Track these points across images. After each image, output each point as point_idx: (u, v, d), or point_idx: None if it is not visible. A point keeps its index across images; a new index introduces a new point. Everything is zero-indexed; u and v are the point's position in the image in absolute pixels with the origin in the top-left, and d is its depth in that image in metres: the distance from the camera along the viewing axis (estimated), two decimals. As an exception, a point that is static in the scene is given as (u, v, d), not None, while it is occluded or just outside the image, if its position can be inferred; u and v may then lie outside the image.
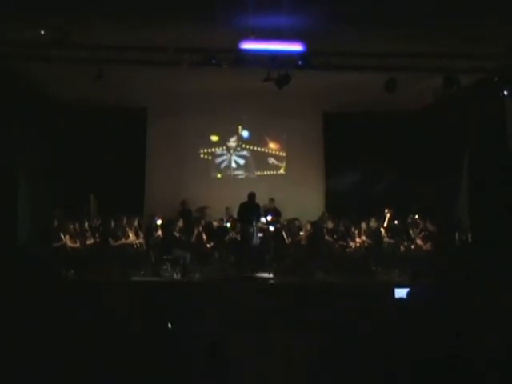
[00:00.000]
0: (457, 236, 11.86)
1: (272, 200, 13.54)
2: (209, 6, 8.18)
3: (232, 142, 15.63)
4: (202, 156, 15.53)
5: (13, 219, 11.54)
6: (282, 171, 15.47)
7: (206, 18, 8.70)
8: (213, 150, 15.60)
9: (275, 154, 15.67)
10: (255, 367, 5.58)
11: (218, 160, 15.63)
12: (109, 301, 7.44)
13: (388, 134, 14.44)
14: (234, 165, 15.63)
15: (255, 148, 15.63)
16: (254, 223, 11.92)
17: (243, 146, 15.66)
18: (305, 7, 8.43)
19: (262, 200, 12.77)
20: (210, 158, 15.59)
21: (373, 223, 12.09)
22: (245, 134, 15.62)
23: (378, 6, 8.37)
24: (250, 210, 11.84)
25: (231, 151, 15.62)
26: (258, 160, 15.66)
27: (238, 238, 12.21)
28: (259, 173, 15.59)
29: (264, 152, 15.65)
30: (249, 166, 15.67)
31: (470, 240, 11.78)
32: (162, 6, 8.44)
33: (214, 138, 15.57)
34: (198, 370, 5.03)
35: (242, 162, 15.63)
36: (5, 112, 11.06)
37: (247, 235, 11.81)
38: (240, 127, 15.60)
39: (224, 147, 15.63)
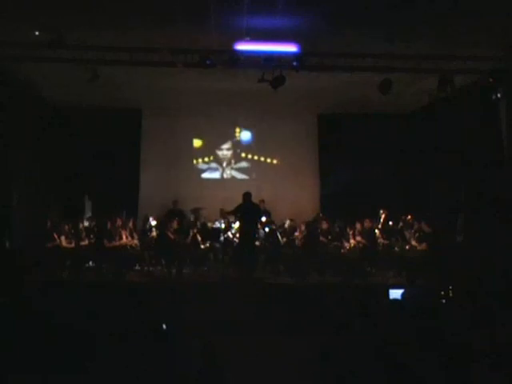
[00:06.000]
0: (451, 236, 11.89)
1: (262, 201, 13.45)
2: (203, 7, 8.17)
3: (225, 151, 15.58)
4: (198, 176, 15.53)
5: (7, 220, 11.51)
6: (276, 172, 15.46)
7: (200, 19, 8.70)
8: (203, 160, 15.53)
9: (270, 157, 15.66)
10: (251, 368, 5.58)
11: (211, 174, 15.61)
12: (103, 301, 7.42)
13: (383, 135, 14.45)
14: (230, 176, 15.63)
15: (252, 157, 15.59)
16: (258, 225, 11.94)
17: (242, 155, 15.60)
18: (299, 8, 8.43)
19: (255, 201, 12.80)
20: (200, 174, 15.56)
21: (367, 224, 12.09)
22: (243, 136, 15.59)
23: (372, 7, 8.39)
24: (249, 210, 11.71)
25: (224, 164, 15.57)
26: (254, 166, 15.64)
27: (235, 239, 12.17)
28: (254, 175, 15.60)
29: (260, 157, 15.62)
30: (247, 173, 15.70)
31: (464, 240, 11.79)
32: (156, 7, 8.44)
33: (198, 144, 15.48)
34: (194, 372, 5.02)
35: (241, 176, 15.61)
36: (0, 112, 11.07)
37: (246, 236, 11.71)
38: (238, 129, 15.60)
39: (213, 157, 15.53)
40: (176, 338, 5.76)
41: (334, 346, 5.51)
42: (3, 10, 8.46)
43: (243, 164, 15.63)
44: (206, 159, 15.53)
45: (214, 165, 15.56)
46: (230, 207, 11.88)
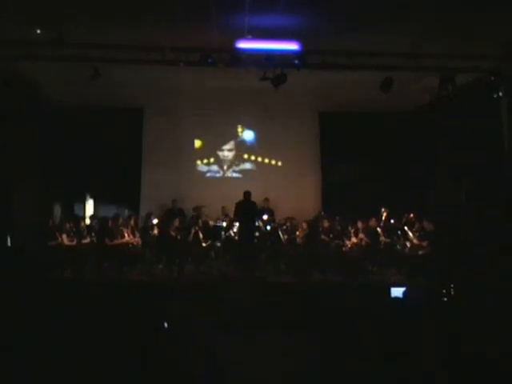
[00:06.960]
0: (453, 235, 11.88)
1: (267, 199, 13.52)
2: (205, 5, 8.17)
3: (227, 151, 15.55)
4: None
5: (9, 218, 11.53)
6: (278, 170, 15.45)
7: (202, 18, 8.70)
8: (202, 161, 15.49)
9: (271, 155, 15.63)
10: (252, 367, 5.58)
11: (212, 175, 15.57)
12: (105, 300, 7.43)
13: (384, 133, 14.44)
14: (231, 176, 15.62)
15: (255, 157, 15.57)
16: (256, 223, 11.97)
17: (244, 155, 15.55)
18: (301, 7, 8.43)
19: (257, 199, 12.80)
20: (201, 174, 15.50)
21: (373, 223, 12.06)
22: (245, 135, 15.57)
23: (374, 5, 8.39)
24: (246, 208, 11.78)
25: (225, 167, 15.52)
26: (255, 164, 15.61)
27: (236, 237, 12.19)
28: (256, 174, 15.58)
29: (261, 156, 15.59)
30: (249, 171, 15.68)
31: (464, 239, 11.79)
32: (158, 6, 8.44)
33: (200, 144, 15.43)
34: (195, 370, 5.03)
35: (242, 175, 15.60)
36: (1, 111, 11.06)
37: (245, 235, 11.75)
38: (240, 128, 15.58)
39: (214, 158, 15.46)
40: (177, 336, 5.77)
41: (336, 344, 5.52)
42: (4, 8, 8.46)
43: (245, 164, 15.59)
44: (206, 161, 15.46)
45: (215, 167, 15.51)
46: (232, 205, 11.94)
